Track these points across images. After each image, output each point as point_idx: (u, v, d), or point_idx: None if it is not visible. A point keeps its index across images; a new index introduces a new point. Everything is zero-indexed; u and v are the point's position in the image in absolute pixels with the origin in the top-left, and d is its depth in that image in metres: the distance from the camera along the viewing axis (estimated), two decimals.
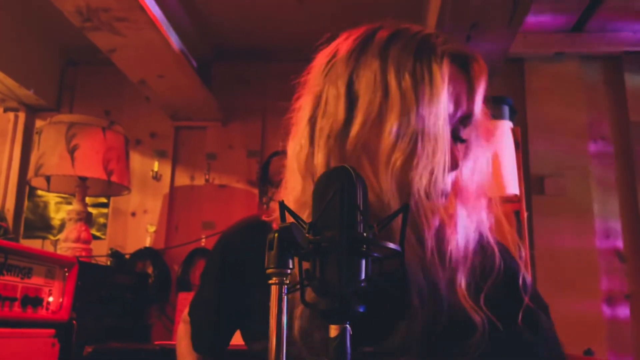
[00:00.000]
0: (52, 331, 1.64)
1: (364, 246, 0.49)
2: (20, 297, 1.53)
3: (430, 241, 0.67)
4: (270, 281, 0.47)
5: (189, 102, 2.74)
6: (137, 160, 2.84)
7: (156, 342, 2.26)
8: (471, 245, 0.73)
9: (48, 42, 2.90)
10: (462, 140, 0.73)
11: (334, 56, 0.75)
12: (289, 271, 0.47)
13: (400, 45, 0.70)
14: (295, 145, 0.75)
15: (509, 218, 0.79)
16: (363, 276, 0.48)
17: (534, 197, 2.60)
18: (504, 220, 0.77)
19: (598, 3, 2.44)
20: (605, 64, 2.77)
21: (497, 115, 2.22)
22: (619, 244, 2.59)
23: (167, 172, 2.86)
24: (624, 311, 2.52)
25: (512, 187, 2.04)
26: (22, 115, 2.94)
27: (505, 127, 2.11)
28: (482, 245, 0.75)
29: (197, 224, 2.76)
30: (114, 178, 2.30)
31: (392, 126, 0.67)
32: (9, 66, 2.62)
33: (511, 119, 2.26)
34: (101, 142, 2.28)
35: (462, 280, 0.71)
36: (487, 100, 0.76)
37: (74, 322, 1.70)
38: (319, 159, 0.71)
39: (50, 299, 1.65)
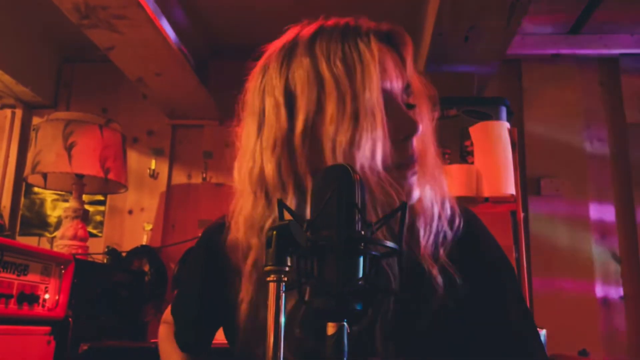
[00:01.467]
0: (47, 329, 1.63)
1: (362, 244, 0.49)
2: (17, 294, 1.53)
3: (376, 215, 0.67)
4: (268, 279, 0.47)
5: (187, 100, 2.73)
6: (134, 158, 2.84)
7: (152, 340, 2.26)
8: (434, 210, 0.75)
9: (45, 39, 2.90)
10: (412, 106, 0.76)
11: (264, 70, 0.77)
12: (286, 269, 0.47)
13: (325, 37, 0.73)
14: (247, 163, 0.75)
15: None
16: (360, 274, 0.49)
17: (530, 198, 2.61)
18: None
19: (595, 5, 2.45)
20: (601, 66, 2.78)
21: (494, 116, 2.23)
22: (615, 244, 2.60)
23: (164, 170, 2.86)
24: (619, 312, 2.53)
25: (509, 187, 2.05)
26: (19, 112, 2.93)
27: (503, 127, 2.12)
28: (444, 208, 0.76)
29: (194, 222, 2.76)
30: (111, 176, 2.30)
31: (332, 113, 0.69)
32: (6, 63, 2.61)
33: (508, 119, 2.27)
34: (98, 140, 2.28)
35: (425, 244, 0.73)
36: (419, 70, 0.81)
37: (70, 319, 1.70)
38: (269, 170, 0.72)
39: (47, 296, 1.64)
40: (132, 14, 1.98)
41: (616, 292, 2.55)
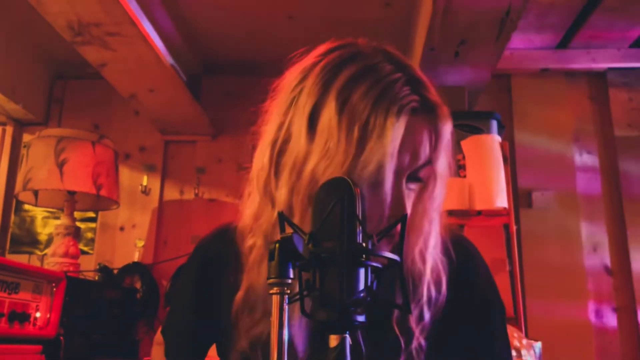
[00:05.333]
0: (39, 347, 1.61)
1: (363, 256, 0.49)
2: (7, 313, 1.51)
3: None
4: (271, 291, 0.47)
5: (179, 117, 2.74)
6: (126, 175, 2.82)
7: (144, 358, 2.23)
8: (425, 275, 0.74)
9: (37, 56, 2.89)
10: (419, 180, 0.73)
11: (302, 80, 0.74)
12: (289, 281, 0.48)
13: (362, 90, 0.68)
14: (258, 161, 0.76)
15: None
16: (362, 286, 0.49)
17: (521, 211, 2.62)
18: None
19: (582, 20, 2.50)
20: (589, 80, 2.83)
21: (485, 130, 2.25)
22: (606, 256, 2.62)
23: (156, 186, 2.85)
24: (611, 323, 2.54)
25: (502, 200, 2.06)
26: (9, 129, 2.92)
27: (494, 141, 2.14)
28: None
29: (187, 239, 2.75)
30: (103, 192, 2.28)
31: (327, 164, 0.67)
32: None
33: (499, 133, 2.29)
34: (91, 156, 2.27)
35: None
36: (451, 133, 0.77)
37: (61, 337, 1.68)
38: (282, 194, 0.71)
39: (38, 314, 1.62)
40: (125, 31, 1.98)
41: (609, 303, 2.56)
